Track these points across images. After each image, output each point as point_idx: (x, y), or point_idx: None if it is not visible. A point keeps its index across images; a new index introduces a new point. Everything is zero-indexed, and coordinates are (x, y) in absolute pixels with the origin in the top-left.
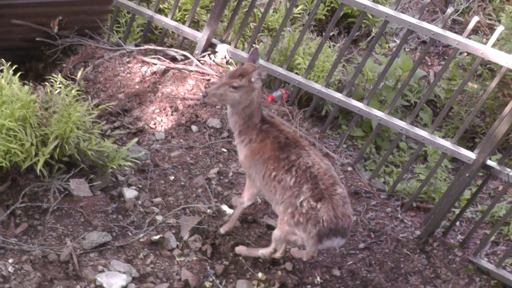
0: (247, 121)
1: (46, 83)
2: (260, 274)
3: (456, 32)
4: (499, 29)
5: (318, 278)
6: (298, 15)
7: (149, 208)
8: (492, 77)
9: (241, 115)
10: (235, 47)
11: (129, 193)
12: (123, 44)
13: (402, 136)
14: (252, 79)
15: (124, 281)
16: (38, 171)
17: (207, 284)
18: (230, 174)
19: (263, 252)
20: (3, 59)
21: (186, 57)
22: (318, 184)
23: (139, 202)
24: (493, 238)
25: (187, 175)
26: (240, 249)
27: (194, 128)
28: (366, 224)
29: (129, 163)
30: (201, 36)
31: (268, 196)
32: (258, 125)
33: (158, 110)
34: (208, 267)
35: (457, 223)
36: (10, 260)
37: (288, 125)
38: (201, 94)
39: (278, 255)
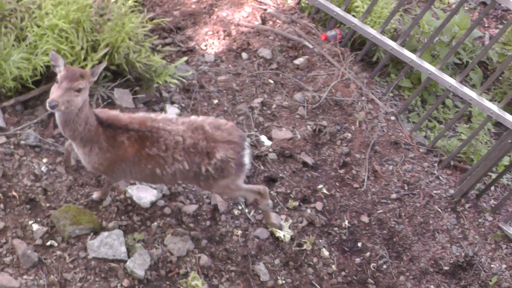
0: (85, 126)
1: None
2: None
3: None
4: None
5: (346, 222)
6: None
7: None
8: None
9: (77, 122)
10: None
11: (171, 110)
12: None
13: (450, 93)
14: (91, 79)
15: (154, 197)
16: None
17: (236, 211)
18: (274, 106)
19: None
20: None
21: None
22: (200, 147)
23: None
24: None
25: (231, 101)
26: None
27: (244, 55)
28: (401, 175)
29: (175, 81)
30: None
31: (165, 183)
32: (100, 129)
33: (211, 33)
34: None
35: (492, 188)
36: (44, 160)
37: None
38: (47, 105)
39: (262, 190)
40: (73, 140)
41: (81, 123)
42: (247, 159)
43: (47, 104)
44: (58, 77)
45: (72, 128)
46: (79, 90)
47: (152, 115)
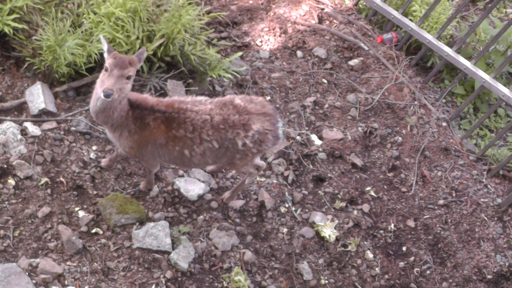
0: (120, 112)
1: None
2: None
3: None
4: None
5: (392, 225)
6: None
7: None
8: None
9: (115, 109)
10: None
11: None
12: None
13: (503, 102)
14: (138, 65)
15: (201, 190)
16: None
17: (282, 209)
18: (326, 106)
19: (248, 182)
20: None
21: None
22: (232, 121)
23: None
24: None
25: (283, 98)
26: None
27: (299, 53)
28: (450, 182)
29: (229, 75)
30: None
31: (195, 165)
32: (129, 112)
33: (267, 29)
34: (287, 193)
35: None
36: (94, 147)
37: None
38: (101, 95)
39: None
40: (104, 124)
41: (118, 110)
42: (281, 132)
43: (102, 93)
44: (107, 64)
45: (107, 114)
46: (129, 78)
47: (182, 98)
